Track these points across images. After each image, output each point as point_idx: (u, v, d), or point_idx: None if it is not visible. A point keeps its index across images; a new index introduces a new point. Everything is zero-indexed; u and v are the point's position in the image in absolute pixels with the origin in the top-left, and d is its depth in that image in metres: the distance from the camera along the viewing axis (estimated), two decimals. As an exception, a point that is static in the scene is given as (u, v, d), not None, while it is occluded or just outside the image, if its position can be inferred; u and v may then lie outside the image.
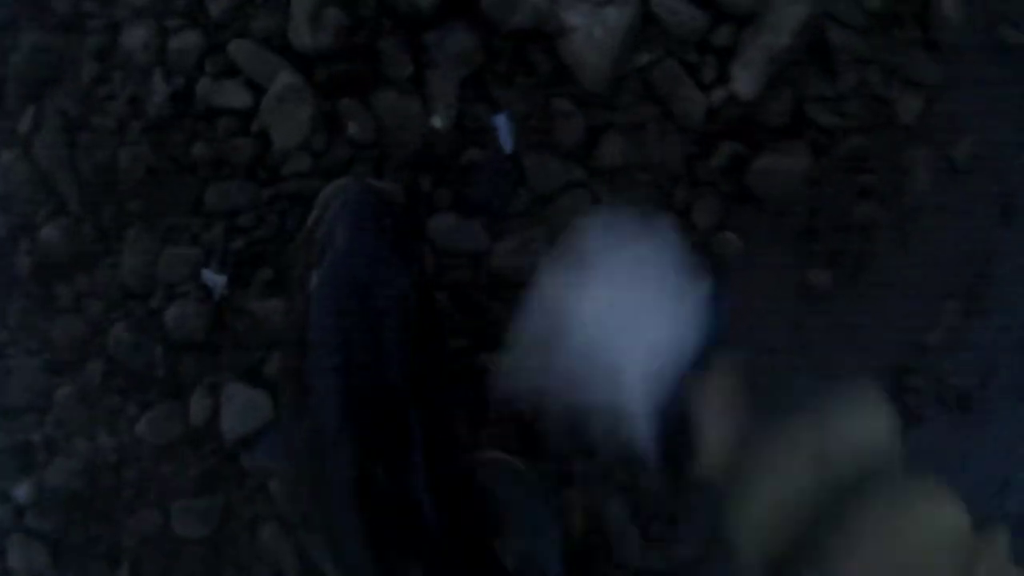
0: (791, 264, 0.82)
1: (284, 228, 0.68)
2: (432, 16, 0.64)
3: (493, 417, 0.67)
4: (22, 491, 0.79)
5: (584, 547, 0.79)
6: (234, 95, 0.64)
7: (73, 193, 0.69)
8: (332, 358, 0.55)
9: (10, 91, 0.72)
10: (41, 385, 0.75)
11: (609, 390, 0.50)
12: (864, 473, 0.37)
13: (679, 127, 0.72)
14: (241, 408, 0.70)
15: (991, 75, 0.78)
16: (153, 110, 0.65)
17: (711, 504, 0.83)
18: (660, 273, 0.52)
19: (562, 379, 0.52)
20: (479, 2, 0.65)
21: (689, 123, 0.72)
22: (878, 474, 0.37)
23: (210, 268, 0.68)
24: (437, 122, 0.65)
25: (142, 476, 0.76)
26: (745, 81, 0.71)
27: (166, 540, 0.80)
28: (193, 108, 0.65)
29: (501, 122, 0.64)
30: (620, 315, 0.50)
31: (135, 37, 0.67)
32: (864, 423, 0.40)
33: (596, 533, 0.79)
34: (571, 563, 0.74)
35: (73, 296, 0.72)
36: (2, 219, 0.69)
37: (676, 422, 0.51)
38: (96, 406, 0.74)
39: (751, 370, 0.48)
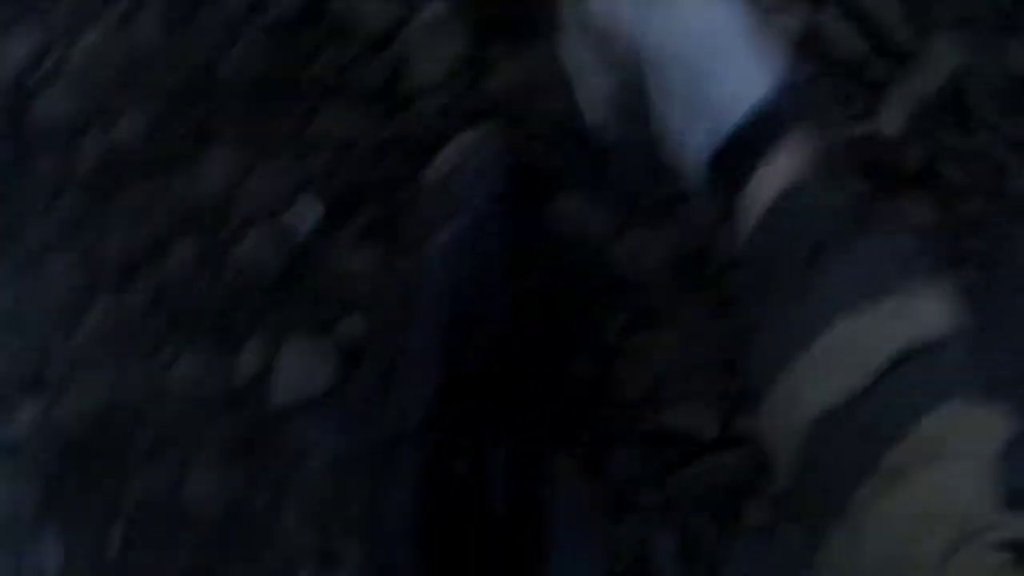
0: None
1: (397, 172, 0.61)
2: None
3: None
4: (25, 416, 0.68)
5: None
6: (375, 13, 0.57)
7: (164, 87, 0.60)
8: (440, 331, 0.49)
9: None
10: (76, 300, 0.64)
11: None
12: None
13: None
14: (301, 368, 0.61)
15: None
16: (277, 10, 0.58)
17: (751, 558, 0.80)
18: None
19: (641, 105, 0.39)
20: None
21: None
22: None
23: (304, 201, 0.60)
24: None
25: (165, 428, 0.66)
26: (890, 118, 0.69)
27: (174, 506, 0.70)
28: (325, 18, 0.58)
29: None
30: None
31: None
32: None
33: (639, 569, 0.73)
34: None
35: (136, 203, 0.63)
36: (74, 101, 0.59)
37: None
38: (133, 337, 0.64)
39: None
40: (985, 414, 0.29)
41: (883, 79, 0.73)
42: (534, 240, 0.56)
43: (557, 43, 0.42)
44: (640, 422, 0.66)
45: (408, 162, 0.63)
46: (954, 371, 0.31)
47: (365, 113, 0.60)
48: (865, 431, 0.29)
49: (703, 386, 0.71)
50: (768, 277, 0.32)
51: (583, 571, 0.61)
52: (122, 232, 0.63)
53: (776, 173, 0.32)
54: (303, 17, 0.59)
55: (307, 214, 0.60)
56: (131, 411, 0.66)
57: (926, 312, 0.30)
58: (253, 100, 0.62)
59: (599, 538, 0.62)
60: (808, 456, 0.31)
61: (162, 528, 0.70)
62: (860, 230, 0.31)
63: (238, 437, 0.65)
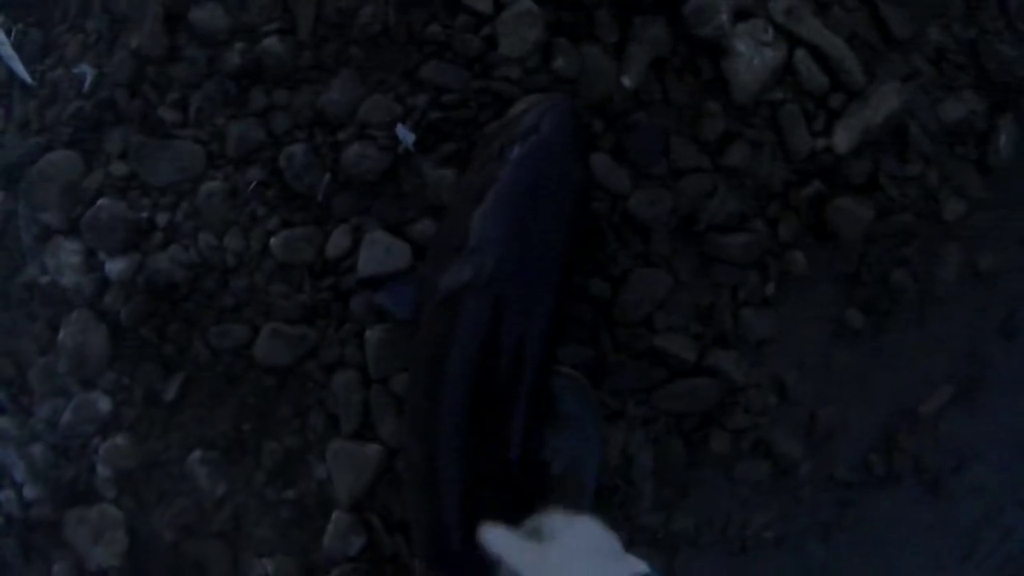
0: (836, 300, 1.31)
1: (478, 117, 0.95)
2: (646, 4, 1.04)
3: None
4: (118, 266, 0.94)
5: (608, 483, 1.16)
6: (481, 0, 1.02)
7: (308, 21, 0.93)
8: (506, 214, 0.84)
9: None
10: (195, 171, 1.00)
11: None
12: None
13: (786, 156, 1.22)
14: (381, 252, 0.94)
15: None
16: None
17: (712, 489, 1.26)
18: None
19: None
20: (682, 7, 1.13)
21: (794, 156, 1.20)
22: None
23: (405, 125, 1.06)
24: (627, 81, 0.99)
25: (250, 289, 0.94)
26: (842, 139, 1.23)
27: (238, 361, 1.00)
28: None
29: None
30: None
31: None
32: None
33: (621, 475, 1.18)
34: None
35: (266, 104, 0.92)
36: (227, 15, 1.01)
37: None
38: (240, 208, 1.01)
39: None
40: None
41: (839, 109, 1.28)
42: (582, 173, 0.90)
43: None
44: (637, 340, 1.07)
45: (487, 110, 1.10)
46: None
47: (460, 71, 0.96)
48: None
49: (687, 322, 1.20)
50: None
51: (584, 457, 1.01)
52: (248, 124, 0.95)
53: None
54: (424, -8, 0.88)
55: (405, 138, 0.95)
56: (224, 270, 0.94)
57: None
58: (377, 45, 0.96)
59: (598, 433, 1.07)
60: None
61: (222, 379, 0.99)
62: None
63: (315, 302, 0.95)
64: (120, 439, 1.05)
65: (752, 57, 1.08)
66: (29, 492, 1.05)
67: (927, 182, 1.25)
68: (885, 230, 1.23)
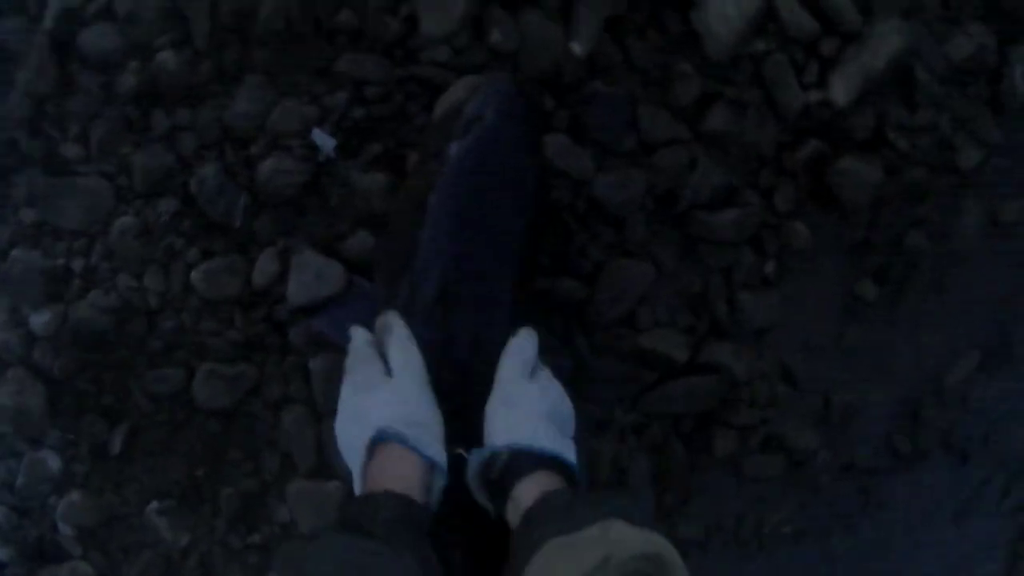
0: (844, 272, 0.97)
1: (405, 110, 0.74)
2: None
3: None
4: (42, 319, 0.78)
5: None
6: None
7: (203, 29, 0.73)
8: (452, 223, 0.62)
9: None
10: (104, 210, 0.78)
11: None
12: None
13: (776, 115, 0.88)
14: (311, 276, 0.73)
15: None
16: (308, -32, 0.75)
17: (720, 491, 0.96)
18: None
19: None
20: (635, -46, 0.80)
21: (786, 114, 0.87)
22: None
23: (323, 129, 0.77)
24: (577, 48, 0.75)
25: (179, 330, 0.77)
26: (839, 90, 0.88)
27: (179, 406, 0.80)
28: None
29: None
30: None
31: None
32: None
33: (616, 485, 0.89)
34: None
35: (169, 126, 0.75)
36: (118, 34, 0.76)
37: None
38: (156, 244, 0.76)
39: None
40: None
41: (833, 56, 0.93)
42: (536, 163, 0.69)
43: None
44: (619, 341, 0.82)
45: (415, 101, 0.81)
46: None
47: (379, 60, 0.74)
48: None
49: (675, 315, 0.89)
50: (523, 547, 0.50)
51: None
52: (152, 151, 0.75)
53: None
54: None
55: (324, 144, 0.73)
56: (149, 311, 0.77)
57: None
58: (283, 44, 0.75)
59: (583, 447, 0.77)
60: None
61: (164, 428, 0.81)
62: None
63: (249, 337, 0.77)
64: (75, 496, 0.86)
65: (724, 4, 0.73)
66: (0, 554, 0.89)
67: (939, 130, 0.93)
68: (895, 189, 0.92)
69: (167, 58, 0.75)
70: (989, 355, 1.02)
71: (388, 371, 0.59)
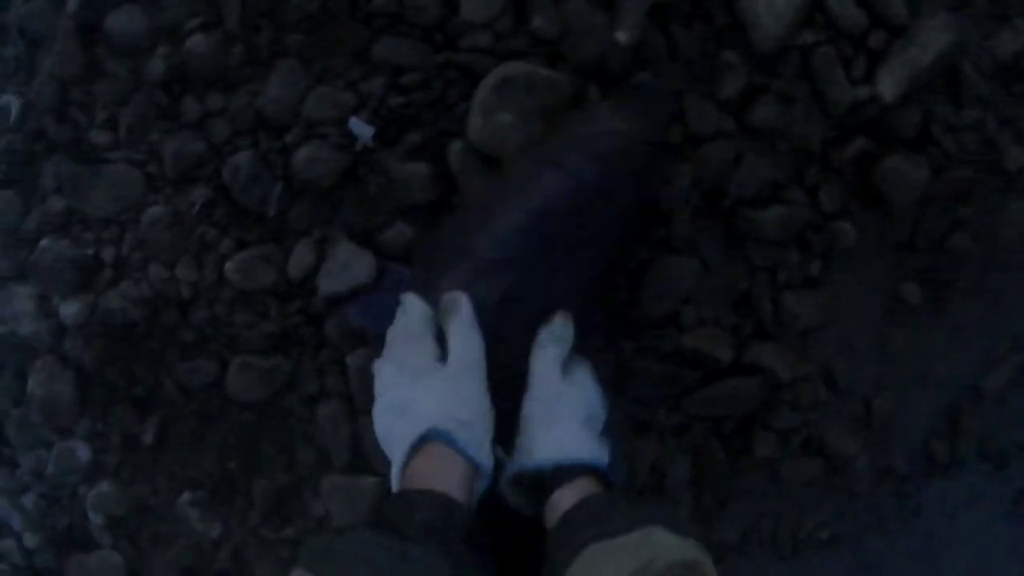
0: (888, 274, 0.83)
1: (445, 98, 0.66)
2: None
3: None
4: (71, 309, 0.71)
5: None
6: None
7: (234, 10, 0.64)
8: (548, 237, 0.52)
9: None
10: (135, 198, 0.68)
11: None
12: None
13: (823, 110, 0.75)
14: (340, 265, 0.64)
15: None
16: (344, -52, 0.64)
17: (757, 494, 0.83)
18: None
19: None
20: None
21: (833, 109, 0.74)
22: None
23: (360, 117, 0.65)
24: (621, 37, 0.65)
25: (212, 321, 0.69)
26: (887, 85, 0.75)
27: (212, 398, 0.73)
28: None
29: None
30: None
31: None
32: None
33: (655, 489, 0.75)
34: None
35: (201, 113, 0.66)
36: (145, 17, 0.65)
37: None
38: (188, 234, 0.68)
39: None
40: None
41: (881, 50, 0.79)
42: (650, 208, 0.62)
43: None
44: (663, 341, 0.71)
45: (455, 89, 0.69)
46: None
47: (417, 45, 0.64)
48: None
49: (720, 314, 0.75)
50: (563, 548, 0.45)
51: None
52: (184, 138, 0.65)
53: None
54: (367, -45, 0.64)
55: (361, 132, 0.64)
56: (181, 302, 0.68)
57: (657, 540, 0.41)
58: (318, 27, 0.65)
59: (621, 449, 0.64)
60: None
61: (195, 420, 0.73)
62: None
63: (285, 329, 0.68)
64: (106, 486, 0.76)
65: None
66: (29, 541, 0.81)
67: (985, 129, 0.79)
68: (941, 189, 0.79)
69: (197, 42, 0.65)
70: (1029, 359, 0.87)
71: (441, 355, 0.50)
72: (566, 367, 0.53)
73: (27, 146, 0.70)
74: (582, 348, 0.55)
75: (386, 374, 0.49)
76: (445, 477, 0.44)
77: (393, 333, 0.51)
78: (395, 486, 0.46)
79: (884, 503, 0.89)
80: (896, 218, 0.82)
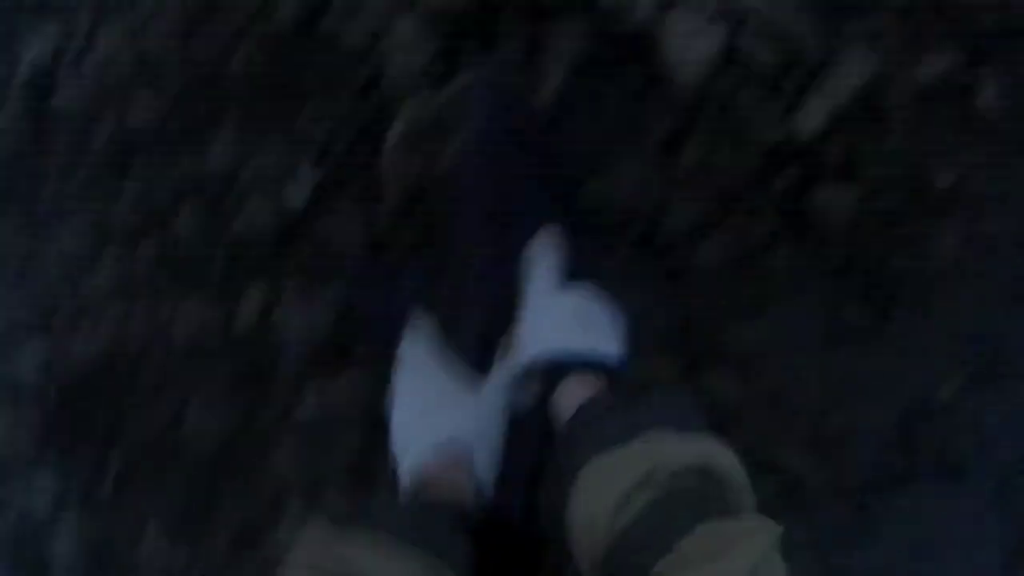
0: (826, 298, 0.85)
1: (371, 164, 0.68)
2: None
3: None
4: (29, 360, 0.72)
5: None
6: (356, 29, 0.66)
7: (176, 81, 0.68)
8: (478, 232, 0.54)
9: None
10: (85, 256, 0.70)
11: None
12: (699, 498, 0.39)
13: (750, 148, 0.77)
14: (300, 317, 0.66)
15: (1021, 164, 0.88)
16: (274, 24, 0.67)
17: None
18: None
19: None
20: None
21: (759, 147, 0.76)
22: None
23: (301, 172, 0.67)
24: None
25: (166, 371, 0.72)
26: (808, 121, 0.77)
27: (170, 444, 0.75)
28: (315, 30, 0.66)
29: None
30: None
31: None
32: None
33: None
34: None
35: (148, 172, 0.70)
36: (91, 90, 0.68)
37: None
38: (138, 289, 0.70)
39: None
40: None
41: (802, 85, 0.81)
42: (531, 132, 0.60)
43: None
44: None
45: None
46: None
47: (350, 107, 0.66)
48: (637, 550, 0.37)
49: (663, 345, 0.76)
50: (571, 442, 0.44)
51: None
52: (132, 198, 0.70)
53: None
54: (297, 30, 0.66)
55: (304, 183, 0.66)
56: (131, 357, 0.72)
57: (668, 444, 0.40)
58: (254, 93, 0.69)
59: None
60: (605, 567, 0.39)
61: (156, 466, 0.76)
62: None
63: (238, 375, 0.70)
64: (72, 518, 0.80)
65: (688, 41, 0.61)
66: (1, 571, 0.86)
67: (911, 154, 0.80)
68: (873, 213, 0.80)
69: (140, 111, 0.66)
70: (978, 369, 0.88)
71: (451, 380, 0.51)
72: (561, 282, 0.52)
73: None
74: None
75: (413, 388, 0.50)
76: (457, 484, 0.45)
77: (403, 355, 0.51)
78: (404, 487, 0.46)
79: (844, 521, 0.89)
80: (830, 243, 0.84)
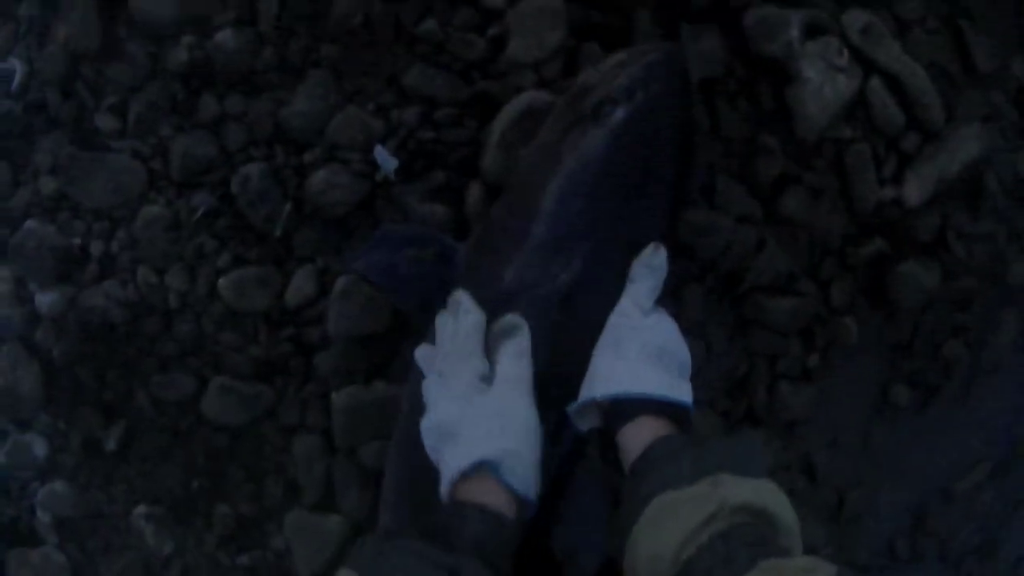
0: (881, 373, 0.81)
1: (477, 139, 0.59)
2: (696, 8, 0.62)
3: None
4: (48, 299, 0.62)
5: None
6: None
7: (272, 9, 0.58)
8: (602, 203, 0.47)
9: None
10: (134, 193, 0.61)
11: None
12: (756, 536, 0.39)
13: (849, 207, 0.72)
14: (359, 308, 0.57)
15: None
16: (396, -32, 0.58)
17: None
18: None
19: None
20: (742, 16, 0.63)
21: (860, 207, 0.71)
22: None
23: (386, 147, 0.60)
24: None
25: (196, 336, 0.62)
26: (914, 189, 0.73)
27: (185, 415, 0.65)
28: None
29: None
30: None
31: None
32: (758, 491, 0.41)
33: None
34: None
35: (218, 113, 0.59)
36: (176, 3, 0.58)
37: None
38: (184, 241, 0.61)
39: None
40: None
41: (913, 152, 0.77)
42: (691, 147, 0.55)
43: None
44: None
45: (486, 126, 0.59)
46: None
47: (455, 80, 0.59)
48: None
49: (713, 397, 0.72)
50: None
51: (591, 538, 0.55)
52: (196, 137, 0.59)
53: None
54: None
55: (385, 163, 0.58)
56: (167, 311, 0.61)
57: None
58: (357, 42, 0.59)
59: (604, 517, 0.60)
60: None
61: (168, 433, 0.66)
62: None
63: (272, 357, 0.62)
64: (59, 486, 0.69)
65: (823, 84, 0.54)
66: (-33, 526, 0.76)
67: (996, 241, 0.78)
68: (945, 295, 0.77)
69: (226, 37, 0.58)
70: (997, 469, 0.86)
71: (489, 373, 0.47)
72: (648, 309, 0.49)
73: (26, 117, 0.62)
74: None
75: (431, 389, 0.46)
76: (494, 500, 0.42)
77: (443, 337, 0.47)
78: (444, 499, 0.44)
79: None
80: (899, 319, 0.80)
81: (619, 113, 0.48)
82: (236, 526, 0.67)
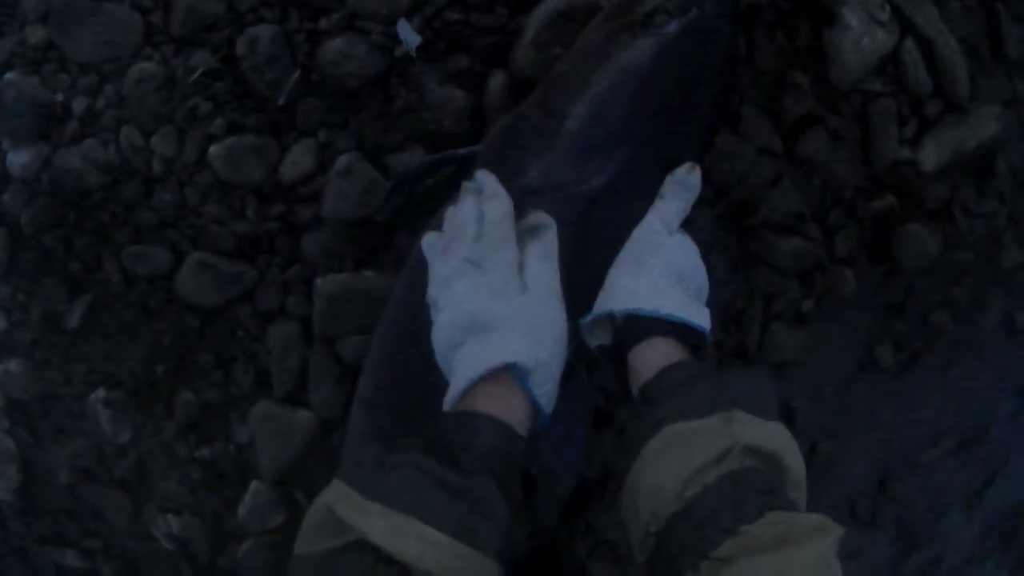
0: (871, 329, 0.80)
1: (506, 27, 0.54)
2: None
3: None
4: (21, 159, 0.55)
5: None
6: None
7: None
8: (654, 104, 0.44)
9: None
10: (128, 48, 0.53)
11: None
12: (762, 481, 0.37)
13: (866, 159, 0.70)
14: (359, 190, 0.52)
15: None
16: None
17: None
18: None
19: None
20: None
21: (876, 162, 0.69)
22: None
23: (411, 22, 0.54)
24: None
25: (178, 207, 0.55)
26: (930, 155, 0.71)
27: (156, 291, 0.58)
28: None
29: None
30: None
31: None
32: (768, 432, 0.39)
33: (598, 486, 0.69)
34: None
35: None
36: None
37: None
38: (177, 102, 0.54)
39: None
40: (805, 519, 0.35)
41: (935, 118, 0.75)
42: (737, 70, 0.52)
43: None
44: None
45: (519, 20, 0.58)
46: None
47: None
48: (703, 523, 0.36)
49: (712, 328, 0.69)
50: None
51: (568, 459, 0.55)
52: None
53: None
54: None
55: (408, 38, 0.52)
56: (149, 177, 0.54)
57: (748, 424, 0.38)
58: None
59: (583, 439, 0.58)
60: (657, 542, 0.37)
61: (135, 310, 0.59)
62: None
63: (257, 234, 0.56)
64: (14, 365, 0.63)
65: (863, 35, 0.51)
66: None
67: (996, 222, 0.77)
68: (942, 265, 0.76)
69: None
70: (962, 444, 0.86)
71: (521, 271, 0.42)
72: (674, 229, 0.46)
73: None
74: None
75: (459, 281, 0.40)
76: (509, 410, 0.38)
77: (464, 219, 0.41)
78: (450, 405, 0.39)
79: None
80: (895, 280, 0.79)
81: (672, 26, 0.45)
82: (199, 415, 0.61)
